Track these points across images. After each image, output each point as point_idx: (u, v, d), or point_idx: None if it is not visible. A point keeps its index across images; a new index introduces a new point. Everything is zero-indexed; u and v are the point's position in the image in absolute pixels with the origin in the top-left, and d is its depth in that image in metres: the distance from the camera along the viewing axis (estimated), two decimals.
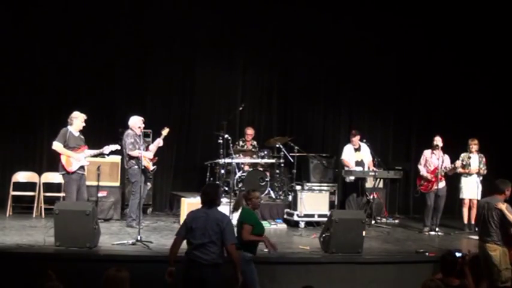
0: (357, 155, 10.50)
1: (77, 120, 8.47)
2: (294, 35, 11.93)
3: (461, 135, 10.76)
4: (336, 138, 12.26)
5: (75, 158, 8.35)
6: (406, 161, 12.32)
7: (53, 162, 9.74)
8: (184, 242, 5.62)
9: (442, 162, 9.66)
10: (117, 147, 8.74)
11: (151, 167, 9.17)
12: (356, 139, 10.50)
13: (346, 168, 10.44)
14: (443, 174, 9.62)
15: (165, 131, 9.12)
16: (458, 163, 9.68)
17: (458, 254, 6.01)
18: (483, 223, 6.88)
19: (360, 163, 10.43)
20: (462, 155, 9.92)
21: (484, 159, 9.99)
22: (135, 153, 8.75)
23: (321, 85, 12.32)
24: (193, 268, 5.49)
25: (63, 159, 8.34)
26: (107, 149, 8.66)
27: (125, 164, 9.12)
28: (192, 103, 11.64)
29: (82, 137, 8.63)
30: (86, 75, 10.75)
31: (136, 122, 8.92)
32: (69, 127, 8.48)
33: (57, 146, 8.36)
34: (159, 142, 9.16)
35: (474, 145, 9.95)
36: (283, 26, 11.83)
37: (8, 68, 10.36)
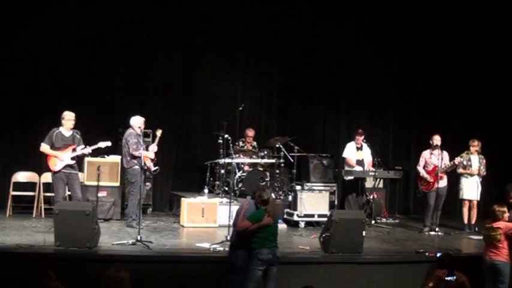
0: (358, 153, 10.49)
1: (64, 120, 8.62)
2: (294, 35, 11.91)
3: (461, 135, 10.75)
4: (336, 138, 12.22)
5: (60, 158, 8.51)
6: (406, 161, 12.30)
7: None
8: None
9: (441, 160, 9.65)
10: (108, 143, 8.83)
11: (153, 168, 9.21)
12: (360, 138, 10.49)
13: (346, 168, 10.45)
14: (442, 171, 9.62)
15: (158, 132, 9.18)
16: (457, 160, 9.66)
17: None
18: None
19: (360, 162, 10.43)
20: (464, 154, 9.84)
21: (484, 161, 9.96)
22: (138, 153, 8.76)
23: (321, 85, 12.29)
24: None
25: (49, 158, 8.60)
26: (93, 147, 8.77)
27: (125, 163, 9.12)
28: (192, 103, 11.63)
29: (78, 136, 8.68)
30: (86, 75, 10.74)
31: (138, 122, 9.04)
32: (60, 127, 8.64)
33: (43, 147, 8.64)
34: (154, 148, 9.23)
35: (473, 146, 9.92)
36: (283, 27, 11.80)
37: (8, 68, 10.35)
